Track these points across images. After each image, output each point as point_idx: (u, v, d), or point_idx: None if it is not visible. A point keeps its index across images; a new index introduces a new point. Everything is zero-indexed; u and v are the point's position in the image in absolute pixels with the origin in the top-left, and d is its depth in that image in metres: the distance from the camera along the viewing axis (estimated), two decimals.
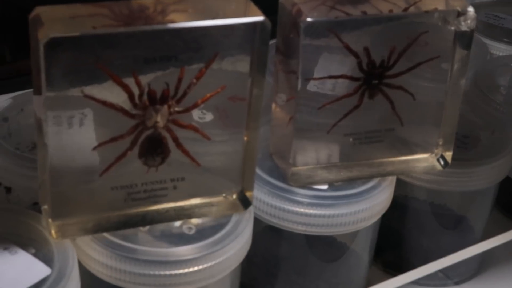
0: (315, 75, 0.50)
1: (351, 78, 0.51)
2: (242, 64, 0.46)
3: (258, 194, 0.52)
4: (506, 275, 0.64)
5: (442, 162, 0.55)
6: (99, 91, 0.43)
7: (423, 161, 0.55)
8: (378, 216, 0.54)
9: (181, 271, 0.46)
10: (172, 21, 0.43)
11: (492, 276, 0.65)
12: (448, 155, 0.55)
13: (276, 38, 0.51)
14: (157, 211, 0.48)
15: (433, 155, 0.55)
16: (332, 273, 0.56)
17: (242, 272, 0.56)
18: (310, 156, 0.52)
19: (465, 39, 0.52)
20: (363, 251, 0.57)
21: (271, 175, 0.53)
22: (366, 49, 0.50)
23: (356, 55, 0.50)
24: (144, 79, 0.44)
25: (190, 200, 0.49)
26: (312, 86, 0.50)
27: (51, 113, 0.42)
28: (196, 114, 0.47)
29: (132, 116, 0.44)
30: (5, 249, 0.45)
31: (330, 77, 0.50)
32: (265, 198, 0.52)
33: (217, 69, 0.45)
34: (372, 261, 0.60)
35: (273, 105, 0.53)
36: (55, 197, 0.45)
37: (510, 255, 0.65)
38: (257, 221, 0.52)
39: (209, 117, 0.48)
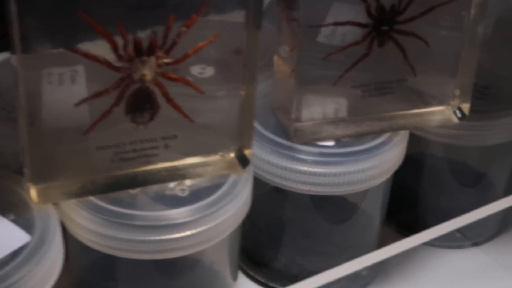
0: (319, 22, 0.46)
1: (359, 24, 0.47)
2: (237, 14, 0.42)
3: (260, 152, 0.49)
4: None
5: (459, 114, 0.51)
6: (80, 44, 0.40)
7: (438, 113, 0.51)
8: (390, 174, 0.51)
9: (173, 235, 0.43)
10: None
11: None
12: (465, 107, 0.51)
13: None
14: (148, 171, 0.44)
15: (449, 107, 0.51)
16: (341, 235, 0.52)
17: (245, 236, 0.52)
18: (315, 110, 0.48)
19: None
20: (374, 211, 0.53)
21: (274, 132, 0.50)
22: None
23: None
24: (130, 29, 0.40)
25: (184, 160, 0.45)
26: (316, 35, 0.46)
27: (29, 71, 0.39)
28: (195, 69, 0.44)
29: (116, 69, 0.41)
30: None
31: (335, 23, 0.46)
32: (267, 157, 0.48)
33: (211, 19, 0.42)
34: (386, 223, 0.57)
35: (275, 57, 0.49)
36: (35, 159, 0.42)
37: None
38: (261, 183, 0.49)
39: (209, 72, 0.44)
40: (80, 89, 0.41)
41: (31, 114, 0.40)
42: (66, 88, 0.40)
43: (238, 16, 0.42)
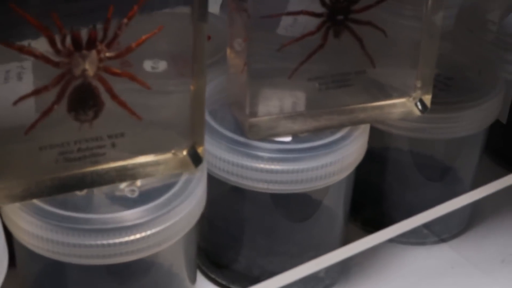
0: (270, 12, 0.44)
1: (312, 14, 0.45)
2: (182, 6, 0.40)
3: (215, 150, 0.47)
4: (499, 229, 0.59)
5: (420, 107, 0.49)
6: (17, 37, 0.38)
7: (399, 106, 0.49)
8: (351, 169, 0.49)
9: (123, 239, 0.41)
10: None
11: (483, 230, 0.59)
12: (427, 98, 0.49)
13: None
14: (96, 172, 0.42)
15: (411, 99, 0.49)
16: (303, 234, 0.50)
17: (204, 238, 0.51)
18: (271, 104, 0.47)
19: None
20: (336, 208, 0.51)
21: (229, 129, 0.48)
22: None
23: None
24: (69, 22, 0.38)
25: (133, 159, 0.43)
26: (269, 26, 0.45)
27: None
28: (148, 64, 0.42)
29: (56, 64, 0.39)
30: None
31: (288, 13, 0.44)
32: (222, 155, 0.46)
33: (157, 13, 0.40)
34: (351, 219, 0.55)
35: (228, 50, 0.47)
36: None
37: (502, 206, 0.59)
38: (218, 181, 0.47)
39: (162, 66, 0.42)
40: (27, 86, 0.39)
41: None
42: (12, 85, 0.39)
43: (183, 8, 0.40)
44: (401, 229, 0.49)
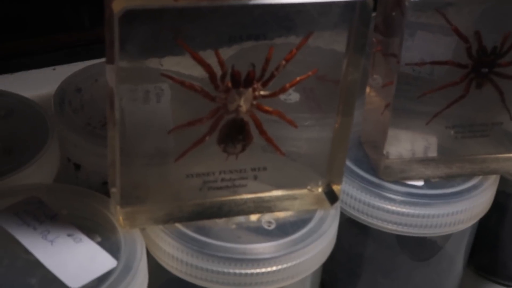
0: (417, 60, 0.44)
1: (458, 65, 0.45)
2: (337, 44, 0.41)
3: (344, 187, 0.48)
4: None
5: None
6: (178, 68, 0.39)
7: None
8: (478, 218, 0.49)
9: (258, 270, 0.42)
10: None
11: None
12: None
13: (376, 15, 0.46)
14: (235, 202, 0.44)
15: None
16: (421, 276, 0.51)
17: (324, 268, 0.51)
18: (406, 147, 0.47)
19: None
20: (457, 253, 0.52)
21: (360, 167, 0.49)
22: (477, 34, 0.44)
23: (465, 39, 0.44)
24: (228, 59, 0.39)
25: (272, 192, 0.44)
26: (412, 70, 0.45)
27: (124, 86, 0.38)
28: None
29: (212, 98, 0.40)
30: (69, 235, 0.41)
31: (434, 62, 0.45)
32: (352, 192, 0.47)
33: (309, 48, 0.40)
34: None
35: (368, 89, 0.48)
36: (124, 181, 0.41)
37: None
38: (346, 218, 0.48)
39: (295, 97, 0.43)
40: (165, 108, 0.40)
41: (124, 132, 0.40)
42: (151, 107, 0.40)
43: (338, 46, 0.41)
44: None
